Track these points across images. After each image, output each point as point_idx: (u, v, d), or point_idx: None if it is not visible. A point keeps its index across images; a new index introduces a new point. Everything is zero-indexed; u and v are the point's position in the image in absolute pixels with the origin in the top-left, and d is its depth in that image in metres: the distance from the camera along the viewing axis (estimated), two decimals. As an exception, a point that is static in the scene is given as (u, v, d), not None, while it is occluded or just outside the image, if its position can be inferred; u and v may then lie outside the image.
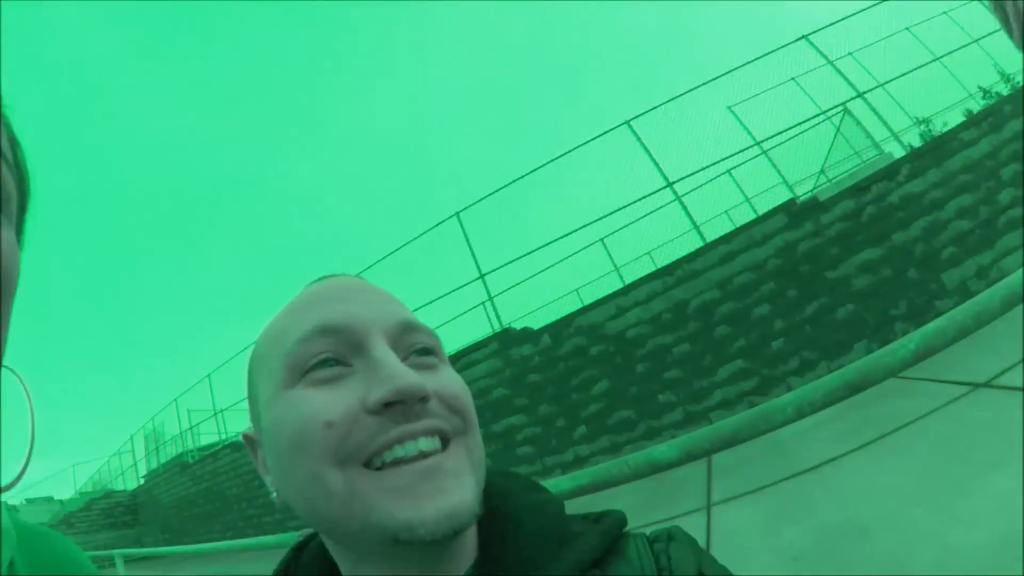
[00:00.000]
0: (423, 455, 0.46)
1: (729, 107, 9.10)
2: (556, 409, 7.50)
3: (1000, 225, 6.38)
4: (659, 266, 7.62)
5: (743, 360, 6.43)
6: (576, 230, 9.01)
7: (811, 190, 8.93)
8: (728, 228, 7.64)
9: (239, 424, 16.47)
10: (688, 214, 8.00)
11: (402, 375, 0.46)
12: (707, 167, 8.31)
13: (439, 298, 10.08)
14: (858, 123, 9.11)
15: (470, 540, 0.54)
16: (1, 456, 0.49)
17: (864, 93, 8.34)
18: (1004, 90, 11.86)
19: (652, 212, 9.38)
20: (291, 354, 0.49)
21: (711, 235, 7.46)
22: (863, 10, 9.24)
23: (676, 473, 5.03)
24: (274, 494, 0.54)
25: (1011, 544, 2.28)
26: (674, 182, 8.18)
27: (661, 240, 9.74)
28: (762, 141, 8.39)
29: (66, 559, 0.58)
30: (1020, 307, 4.96)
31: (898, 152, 8.69)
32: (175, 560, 12.79)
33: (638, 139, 8.58)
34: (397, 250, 10.70)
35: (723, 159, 8.40)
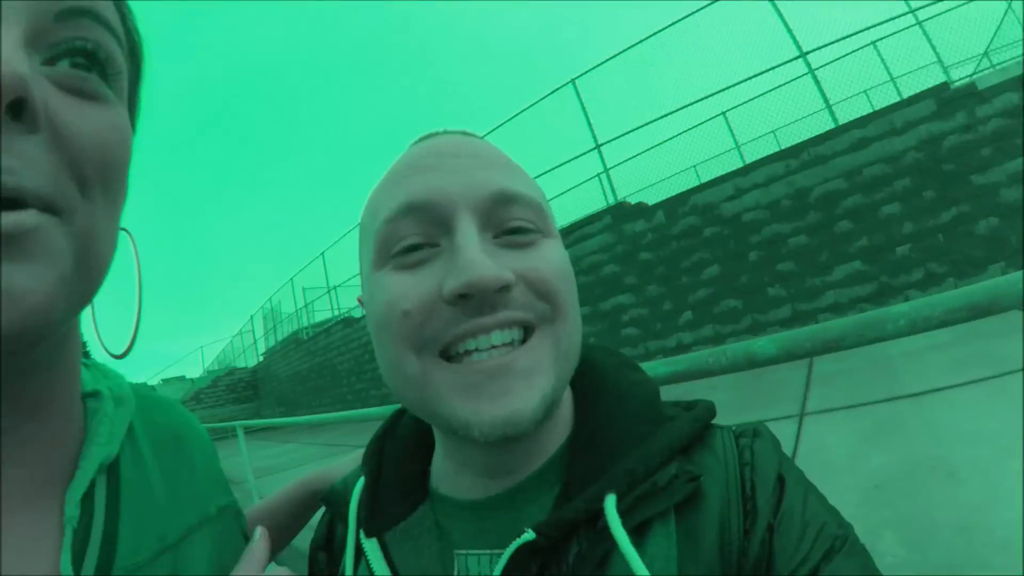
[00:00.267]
0: (497, 350, 0.46)
1: None
2: (664, 291, 7.52)
3: None
4: (783, 147, 7.16)
5: (862, 262, 6.10)
6: (697, 101, 8.57)
7: (970, 75, 7.72)
8: (865, 111, 6.92)
9: (351, 300, 17.40)
10: (821, 91, 7.34)
11: (476, 266, 0.44)
12: (848, 36, 7.42)
13: (553, 169, 9.99)
14: None
15: (564, 417, 0.56)
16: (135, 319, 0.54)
17: None
18: None
19: (781, 86, 8.61)
20: (380, 232, 0.50)
21: (844, 117, 6.85)
22: None
23: (775, 374, 4.99)
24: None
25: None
26: (807, 52, 7.44)
27: (788, 119, 8.96)
28: (917, 9, 7.26)
29: (181, 424, 0.63)
30: None
31: None
32: (289, 431, 14.09)
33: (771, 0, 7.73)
34: (512, 118, 10.58)
35: (868, 28, 7.42)
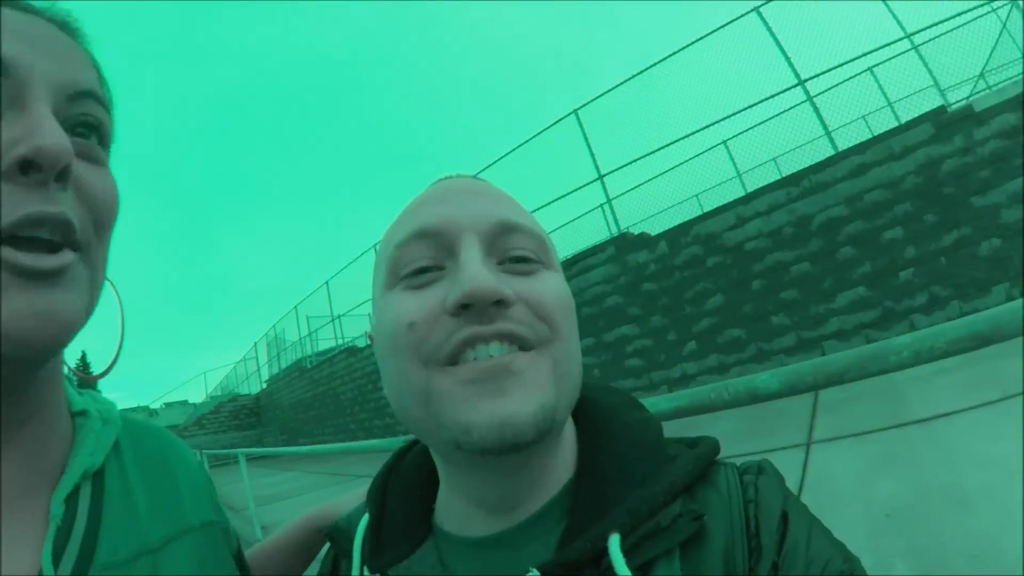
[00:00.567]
0: (495, 357, 0.47)
1: None
2: (668, 321, 7.51)
3: None
4: (784, 174, 7.20)
5: (866, 288, 6.10)
6: (698, 130, 8.64)
7: (966, 98, 7.82)
8: (864, 136, 6.97)
9: (355, 329, 17.52)
10: (820, 117, 7.40)
11: (476, 277, 0.46)
12: (845, 63, 7.49)
13: (556, 200, 10.04)
14: None
15: (567, 456, 0.56)
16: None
17: None
18: None
19: (780, 114, 8.68)
20: (391, 258, 0.53)
21: (844, 143, 6.91)
22: None
23: (780, 402, 4.92)
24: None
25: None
26: (806, 80, 7.52)
27: (788, 146, 9.03)
28: (912, 34, 7.36)
29: (167, 446, 0.69)
30: None
31: None
32: (291, 458, 14.00)
33: (768, 29, 7.86)
34: (514, 150, 10.67)
35: (865, 54, 7.50)
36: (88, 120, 0.48)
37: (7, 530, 0.47)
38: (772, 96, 7.88)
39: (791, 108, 8.26)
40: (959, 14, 7.30)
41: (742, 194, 7.43)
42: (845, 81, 8.08)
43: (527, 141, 10.47)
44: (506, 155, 10.72)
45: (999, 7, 8.00)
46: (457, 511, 0.57)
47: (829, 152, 6.90)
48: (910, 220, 5.96)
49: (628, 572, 0.44)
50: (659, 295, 7.66)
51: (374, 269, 0.59)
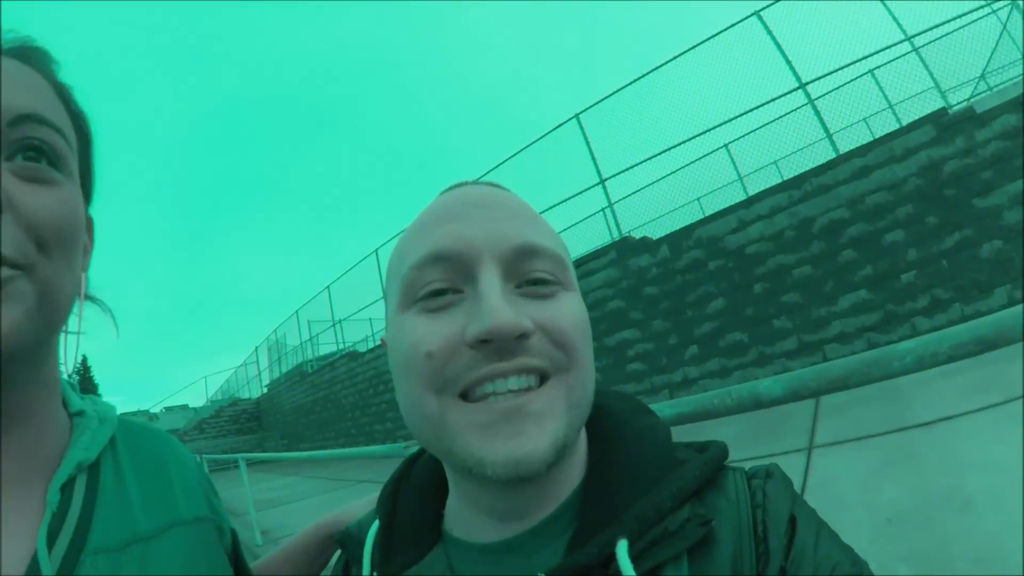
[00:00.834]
0: (513, 393, 0.47)
1: None
2: (670, 325, 7.51)
3: None
4: (786, 177, 7.20)
5: (867, 291, 6.10)
6: (700, 134, 8.62)
7: (967, 99, 7.83)
8: (866, 139, 6.98)
9: (356, 334, 17.46)
10: (821, 120, 7.40)
11: (497, 314, 0.46)
12: (846, 66, 7.49)
13: (558, 204, 10.02)
14: None
15: (577, 463, 0.57)
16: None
17: None
18: None
19: (782, 117, 8.68)
20: (406, 278, 0.52)
21: (845, 146, 6.90)
22: None
23: (782, 406, 4.94)
24: None
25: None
26: (807, 83, 7.52)
27: (790, 149, 9.03)
28: (913, 36, 7.35)
29: (162, 446, 0.73)
30: None
31: None
32: (292, 463, 14.10)
33: (768, 32, 7.86)
34: (516, 154, 10.68)
35: (865, 57, 7.50)
36: (31, 143, 0.51)
37: (6, 518, 0.52)
38: (773, 99, 7.86)
39: (792, 111, 8.27)
40: (959, 16, 7.30)
41: (743, 197, 7.45)
42: (846, 84, 8.08)
43: (529, 145, 10.48)
44: (508, 159, 10.73)
45: (999, 8, 8.00)
46: (467, 518, 0.57)
47: (831, 155, 6.90)
48: (912, 222, 5.95)
49: None
50: (661, 299, 7.66)
51: (387, 279, 0.59)
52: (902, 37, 7.39)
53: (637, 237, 8.43)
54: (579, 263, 8.56)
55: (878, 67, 8.45)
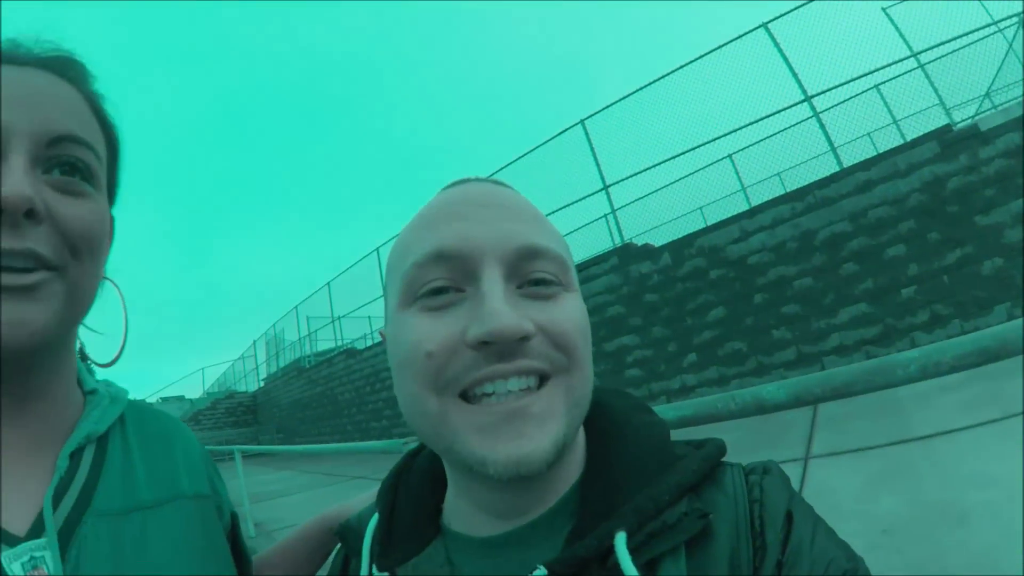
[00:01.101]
0: (513, 395, 0.48)
1: (884, 8, 8.05)
2: (669, 332, 7.50)
3: None
4: (789, 189, 7.21)
5: (867, 304, 6.11)
6: (704, 144, 8.64)
7: (972, 117, 7.86)
8: (870, 153, 7.00)
9: (354, 331, 17.51)
10: (826, 133, 7.43)
11: (499, 315, 0.46)
12: (852, 80, 7.54)
13: (561, 208, 10.01)
14: None
15: (576, 459, 0.57)
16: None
17: None
18: None
19: (786, 129, 8.72)
20: (408, 275, 0.52)
21: (849, 160, 6.94)
22: None
23: (779, 416, 4.92)
24: None
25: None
26: (813, 96, 7.55)
27: (793, 161, 9.05)
28: (919, 52, 7.40)
29: (170, 427, 0.78)
30: None
31: None
32: (287, 457, 14.00)
33: (776, 45, 7.88)
34: (522, 157, 10.68)
35: (871, 72, 7.54)
36: (66, 159, 0.57)
37: (17, 480, 0.57)
38: (779, 111, 7.90)
39: (797, 124, 8.30)
40: (966, 34, 7.35)
41: (746, 208, 7.45)
42: (851, 98, 8.12)
43: (534, 149, 10.50)
44: (513, 162, 10.74)
45: (1006, 27, 8.04)
46: (466, 513, 0.58)
47: (834, 168, 6.92)
48: (913, 237, 5.97)
49: (634, 570, 0.45)
50: (661, 306, 7.66)
51: (388, 275, 0.59)
52: (908, 53, 7.44)
53: (639, 244, 8.43)
54: (580, 268, 8.54)
55: (884, 82, 8.51)
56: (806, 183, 6.83)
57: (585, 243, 11.31)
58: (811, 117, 7.60)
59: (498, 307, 0.47)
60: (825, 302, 6.35)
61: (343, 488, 7.91)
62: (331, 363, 16.19)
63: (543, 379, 0.50)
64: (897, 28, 7.63)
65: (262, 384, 24.02)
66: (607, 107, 9.54)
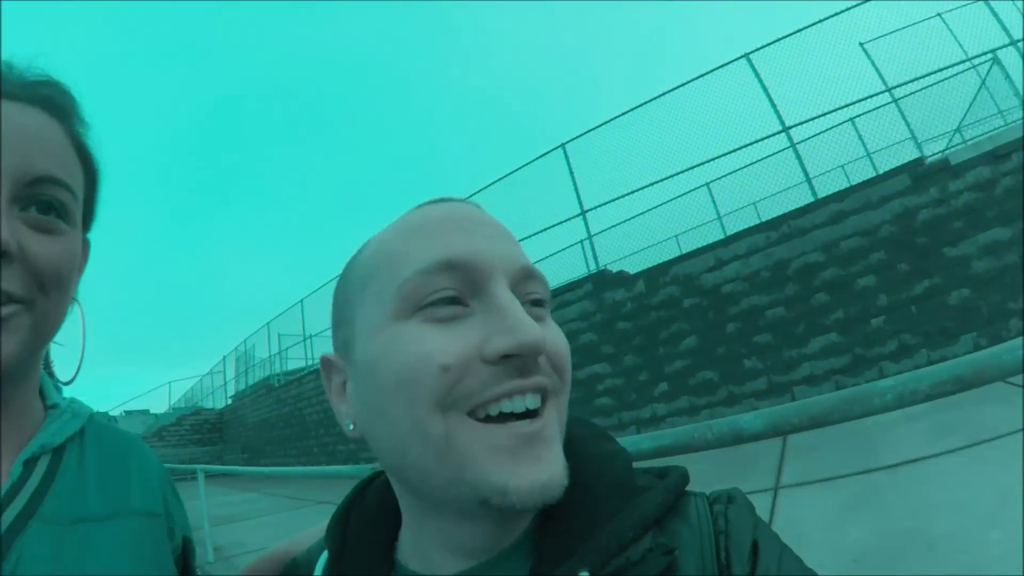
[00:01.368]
0: (528, 413, 0.47)
1: (861, 44, 8.27)
2: (641, 361, 7.52)
3: None
4: (764, 219, 7.31)
5: (838, 334, 6.19)
6: (682, 172, 8.70)
7: (942, 151, 8.10)
8: (843, 185, 7.15)
9: (326, 350, 17.45)
10: (802, 164, 7.55)
11: (527, 327, 0.45)
12: (828, 113, 7.70)
13: (538, 233, 9.99)
14: (1007, 76, 8.06)
15: None
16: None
17: (1019, 41, 7.34)
18: None
19: (763, 159, 8.86)
20: (408, 283, 0.48)
21: (823, 191, 7.05)
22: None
23: (749, 445, 4.95)
24: (350, 426, 0.55)
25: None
26: (790, 127, 7.67)
27: (769, 191, 9.19)
28: (894, 87, 7.63)
29: (129, 446, 0.78)
30: None
31: None
32: (251, 479, 13.70)
33: (757, 76, 8.02)
34: (501, 179, 10.67)
35: (847, 105, 7.72)
36: (43, 199, 0.59)
37: None
38: (756, 141, 8.01)
39: (774, 154, 8.43)
40: (939, 70, 7.59)
41: (721, 236, 7.53)
42: (827, 130, 8.30)
43: (515, 171, 10.48)
44: (492, 184, 10.72)
45: (979, 64, 8.31)
46: (423, 550, 0.55)
47: (809, 199, 7.03)
48: (884, 268, 6.08)
49: None
50: (634, 334, 7.68)
51: (357, 285, 0.55)
52: (883, 88, 7.64)
53: (614, 271, 8.46)
54: (555, 294, 8.53)
55: (859, 115, 8.72)
56: (781, 213, 6.93)
57: (560, 269, 11.33)
58: (788, 148, 7.72)
59: (524, 318, 0.46)
60: (797, 332, 6.41)
61: (308, 513, 7.77)
62: (301, 382, 15.99)
63: (543, 400, 0.49)
64: (873, 63, 7.86)
65: (230, 401, 23.55)
66: (588, 132, 9.58)
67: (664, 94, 8.87)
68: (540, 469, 0.45)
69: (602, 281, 8.17)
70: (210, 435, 23.70)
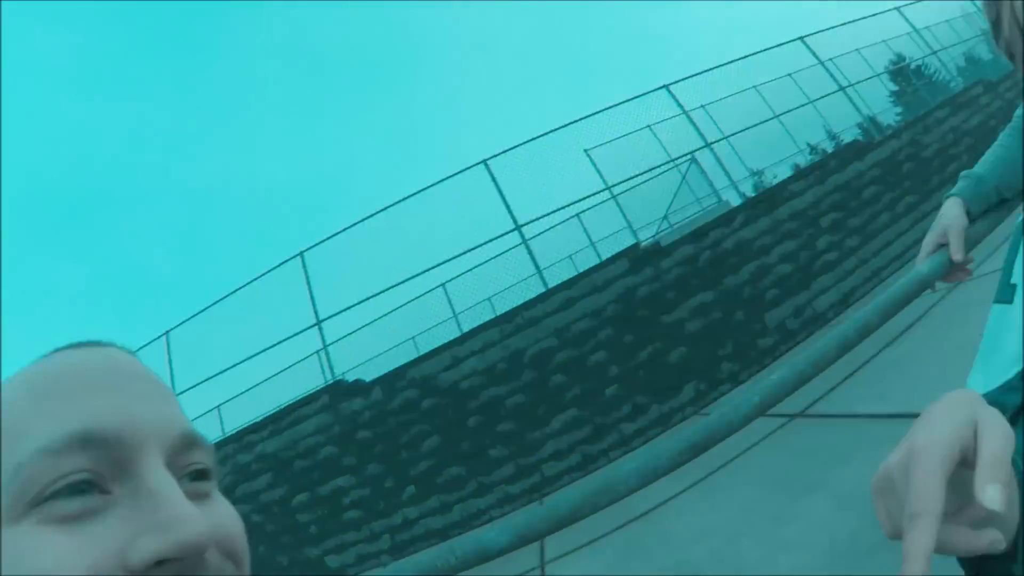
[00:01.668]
0: None
1: (586, 150, 9.30)
2: (385, 468, 7.18)
3: (816, 268, 7.14)
4: (499, 313, 7.54)
5: (577, 408, 6.52)
6: (419, 274, 8.67)
7: (654, 235, 9.40)
8: (571, 273, 7.77)
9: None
10: (533, 258, 8.00)
11: (185, 520, 0.34)
12: (557, 210, 8.41)
13: (270, 348, 9.24)
14: (703, 172, 9.74)
15: None
16: None
17: (711, 144, 8.94)
18: (829, 147, 13.37)
19: (497, 256, 9.31)
20: (26, 468, 0.34)
21: (554, 280, 7.51)
22: (718, 65, 10.00)
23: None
24: None
25: (835, 563, 2.43)
26: (523, 225, 8.12)
27: (503, 285, 9.67)
28: (613, 185, 8.71)
29: None
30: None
31: (735, 201, 9.34)
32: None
33: (493, 179, 8.41)
34: (229, 295, 9.73)
35: (574, 202, 8.57)
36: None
37: None
38: (490, 240, 8.29)
39: (507, 251, 8.87)
40: (649, 169, 8.90)
41: (457, 335, 7.60)
42: (556, 226, 9.04)
43: (246, 285, 9.59)
44: (222, 300, 9.71)
45: (680, 163, 9.93)
46: None
47: (540, 289, 7.43)
48: (612, 343, 6.62)
49: None
50: (374, 442, 7.32)
51: None
52: (604, 186, 8.60)
53: (349, 380, 8.09)
54: (289, 410, 7.87)
55: (584, 211, 9.74)
56: (515, 306, 7.18)
57: (293, 383, 10.61)
58: (520, 244, 8.12)
59: (183, 508, 0.35)
60: (538, 414, 6.63)
61: None
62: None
63: None
64: (595, 165, 8.89)
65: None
66: (326, 239, 9.25)
67: (405, 199, 8.95)
68: None
69: (338, 392, 7.72)
70: None
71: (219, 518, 0.40)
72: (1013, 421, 0.52)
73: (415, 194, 8.95)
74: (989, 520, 0.42)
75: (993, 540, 0.40)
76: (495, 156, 8.54)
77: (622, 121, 9.52)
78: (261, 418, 7.91)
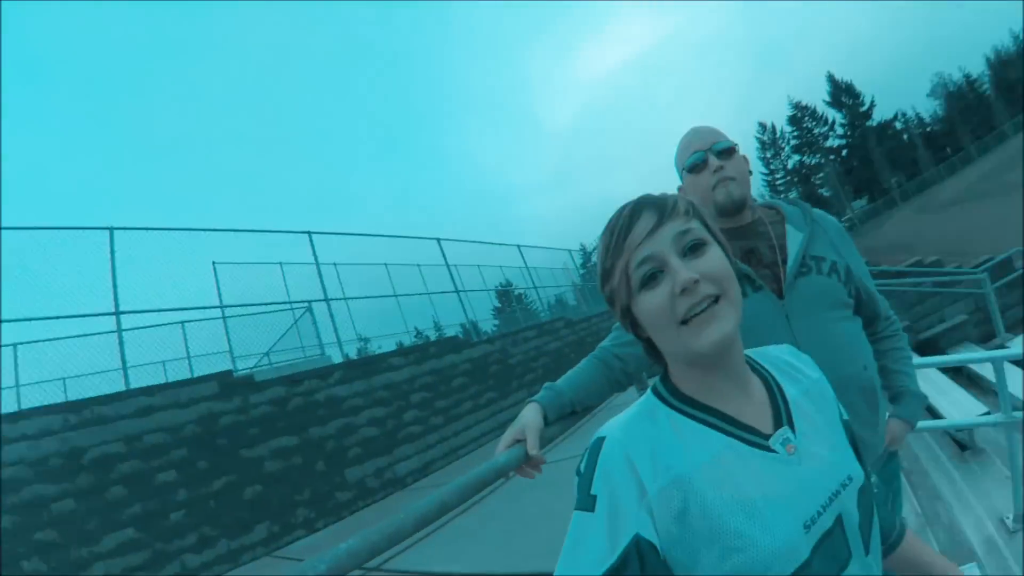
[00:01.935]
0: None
1: (215, 262, 9.11)
2: None
3: (400, 436, 8.05)
4: (69, 399, 6.80)
5: (135, 529, 6.04)
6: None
7: (251, 367, 9.47)
8: (159, 380, 7.43)
9: None
10: (123, 351, 7.33)
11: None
12: (165, 310, 7.98)
13: None
14: (314, 323, 10.38)
15: None
16: None
17: (330, 300, 9.71)
18: (433, 336, 15.45)
19: (86, 336, 8.29)
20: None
21: (137, 382, 7.10)
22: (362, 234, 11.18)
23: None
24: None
25: None
26: (123, 312, 7.48)
27: (82, 370, 8.53)
28: (227, 306, 8.76)
29: None
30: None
31: (337, 358, 9.98)
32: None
33: (112, 252, 7.62)
34: None
35: (185, 308, 8.33)
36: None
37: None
38: (81, 316, 7.42)
39: (98, 334, 7.94)
40: (268, 304, 9.36)
41: (14, 410, 6.60)
42: (156, 326, 8.48)
43: None
44: None
45: (296, 308, 10.53)
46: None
47: (121, 387, 6.95)
48: (185, 465, 6.43)
49: None
50: None
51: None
52: (218, 304, 8.62)
53: None
54: None
55: (190, 321, 9.40)
56: (89, 396, 6.55)
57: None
58: (115, 332, 7.40)
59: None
60: (88, 527, 5.89)
61: None
62: None
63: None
64: (217, 280, 8.79)
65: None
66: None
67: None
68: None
69: None
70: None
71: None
72: None
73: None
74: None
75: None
76: (122, 228, 7.88)
77: (258, 248, 9.83)
78: None
